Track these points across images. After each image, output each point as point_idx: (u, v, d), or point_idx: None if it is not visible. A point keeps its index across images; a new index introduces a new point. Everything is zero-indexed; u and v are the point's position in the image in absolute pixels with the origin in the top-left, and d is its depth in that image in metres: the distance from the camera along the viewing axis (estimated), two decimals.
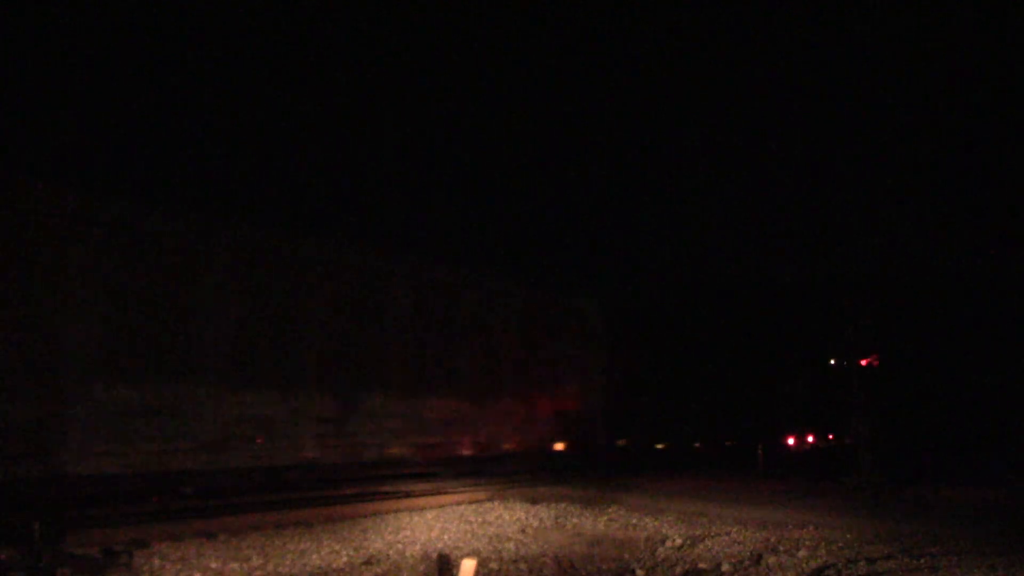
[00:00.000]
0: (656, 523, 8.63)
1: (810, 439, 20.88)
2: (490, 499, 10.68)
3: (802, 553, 6.95)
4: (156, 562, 6.48)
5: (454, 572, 6.10)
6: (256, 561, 6.64)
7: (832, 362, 20.55)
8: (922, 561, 6.54)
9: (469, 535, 7.94)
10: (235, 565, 6.48)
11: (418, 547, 7.29)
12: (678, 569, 6.66)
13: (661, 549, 7.40)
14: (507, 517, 8.98)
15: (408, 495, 10.47)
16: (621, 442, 16.11)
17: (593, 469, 14.40)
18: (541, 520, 8.84)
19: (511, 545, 7.51)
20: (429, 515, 9.10)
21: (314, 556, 6.88)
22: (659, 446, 16.39)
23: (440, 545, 7.37)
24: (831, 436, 21.40)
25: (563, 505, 9.87)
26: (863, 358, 15.86)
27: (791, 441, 19.84)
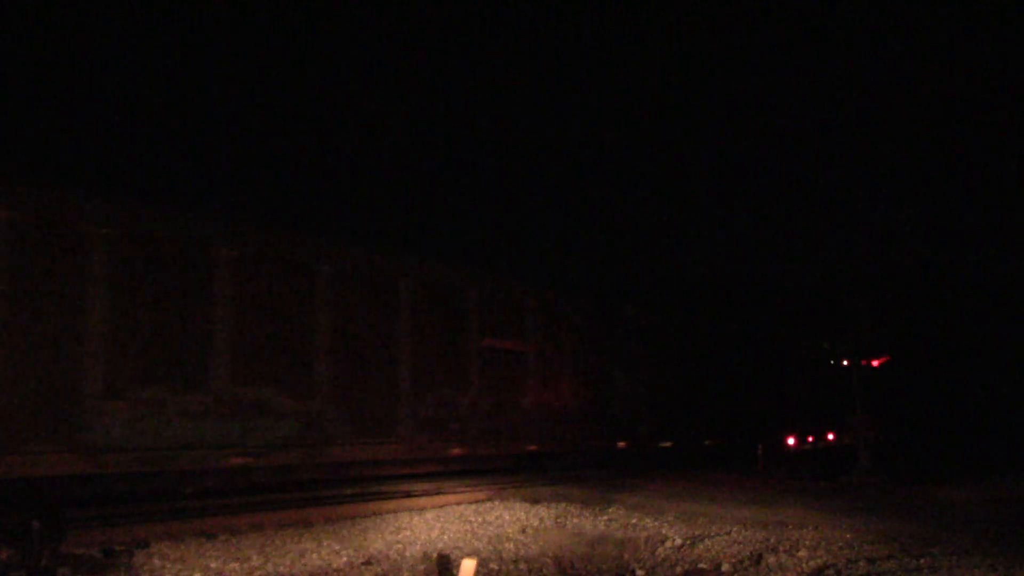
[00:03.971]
0: (656, 523, 8.63)
1: (810, 439, 20.89)
2: (490, 499, 10.69)
3: (802, 553, 6.95)
4: (156, 562, 6.48)
5: (454, 572, 6.11)
6: (256, 561, 6.65)
7: (832, 362, 20.59)
8: (922, 561, 6.54)
9: (469, 535, 7.94)
10: (235, 565, 6.48)
11: (418, 547, 7.29)
12: (678, 569, 6.66)
13: (661, 549, 7.40)
14: (507, 517, 8.98)
15: (408, 495, 10.48)
16: (622, 444, 15.90)
17: (594, 469, 14.40)
18: (541, 520, 8.84)
19: (511, 545, 7.51)
20: (429, 515, 9.10)
21: (314, 556, 6.89)
22: (660, 446, 16.26)
23: (440, 545, 7.37)
24: (831, 436, 21.43)
25: (563, 505, 9.88)
26: (864, 358, 15.87)
27: (791, 441, 19.84)
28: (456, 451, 11.24)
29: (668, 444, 15.87)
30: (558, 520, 8.85)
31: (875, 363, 16.05)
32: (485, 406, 11.81)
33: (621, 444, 14.56)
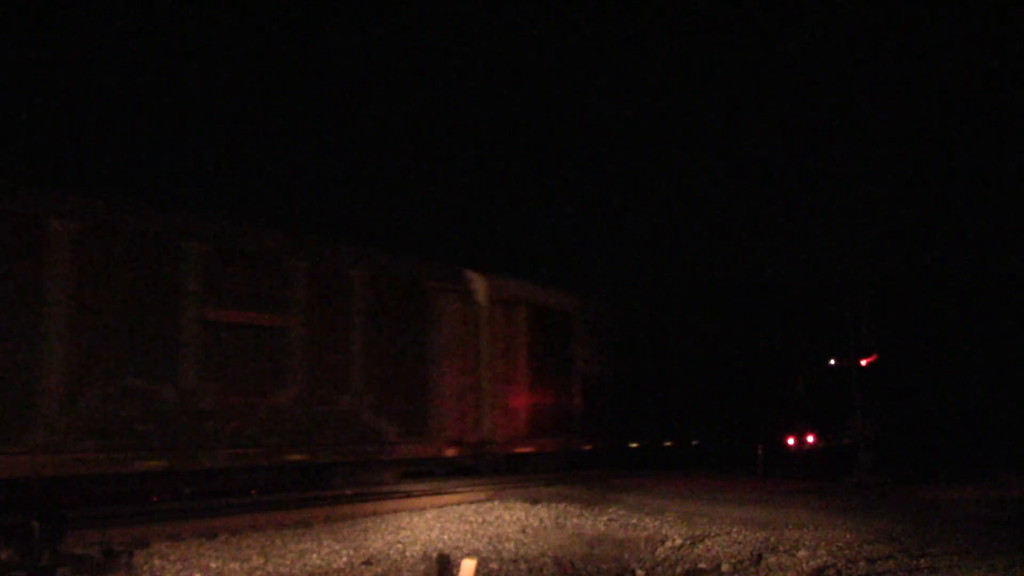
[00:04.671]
0: (656, 523, 8.63)
1: (810, 439, 20.88)
2: (490, 499, 10.69)
3: (802, 553, 6.95)
4: (156, 562, 6.48)
5: (454, 572, 6.11)
6: (256, 561, 6.65)
7: (832, 362, 20.57)
8: (922, 561, 6.54)
9: (469, 535, 7.95)
10: (235, 565, 6.48)
11: (418, 547, 7.30)
12: (678, 569, 6.66)
13: (661, 549, 7.40)
14: (507, 517, 8.98)
15: (408, 495, 10.48)
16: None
17: (595, 469, 14.39)
18: (541, 520, 8.84)
19: (511, 545, 7.51)
20: (429, 515, 9.10)
21: (314, 556, 6.89)
22: (661, 445, 16.20)
23: (440, 545, 7.37)
24: (831, 436, 21.42)
25: (563, 505, 9.88)
26: (863, 358, 15.87)
27: (791, 441, 19.84)
28: (148, 464, 8.24)
29: (539, 449, 13.36)
30: (558, 520, 8.85)
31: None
32: (207, 401, 8.79)
33: (451, 452, 11.60)
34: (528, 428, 13.04)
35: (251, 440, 9.16)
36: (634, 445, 15.40)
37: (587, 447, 14.33)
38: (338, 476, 10.56)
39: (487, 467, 12.60)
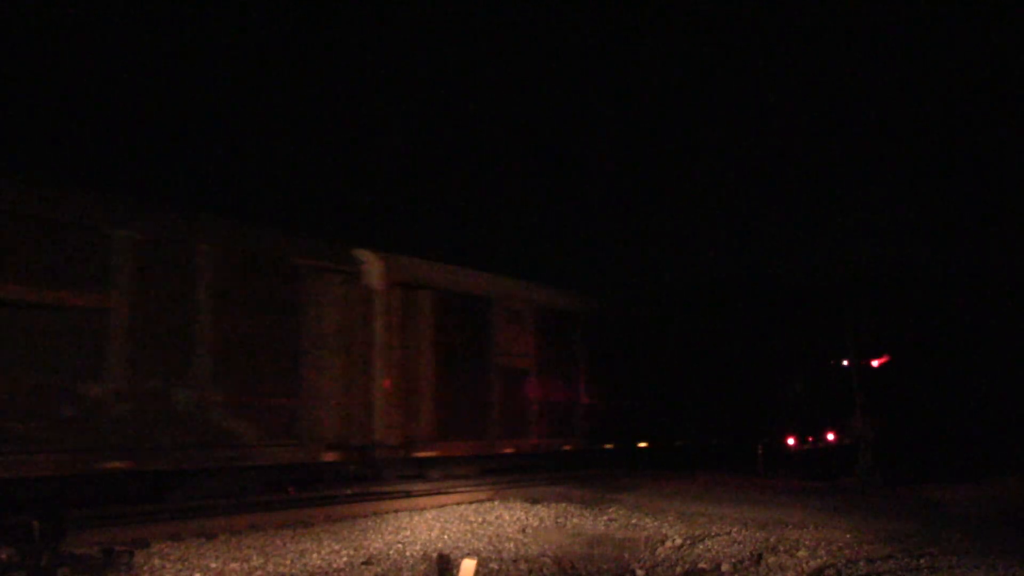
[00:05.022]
0: (656, 523, 8.63)
1: (810, 439, 20.91)
2: (490, 499, 10.68)
3: (802, 553, 6.95)
4: (156, 562, 6.49)
5: (454, 572, 6.11)
6: (256, 561, 6.65)
7: (832, 362, 20.60)
8: (922, 561, 6.55)
9: (469, 535, 7.95)
10: (235, 565, 6.49)
11: (418, 547, 7.30)
12: (678, 569, 6.66)
13: (661, 549, 7.40)
14: (507, 517, 8.98)
15: (408, 495, 10.48)
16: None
17: (594, 468, 14.37)
18: (541, 520, 8.84)
19: (511, 545, 7.51)
20: (429, 515, 9.11)
21: (314, 556, 6.89)
22: (658, 446, 16.12)
23: (440, 545, 7.38)
24: (831, 436, 21.46)
25: (563, 505, 9.88)
26: (864, 358, 15.89)
27: (791, 441, 19.86)
28: None
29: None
30: (558, 520, 8.86)
31: (875, 363, 16.00)
32: None
33: (330, 456, 10.04)
34: (433, 429, 11.42)
35: (49, 444, 7.53)
36: (567, 448, 13.97)
37: (508, 450, 12.73)
38: (179, 487, 8.94)
39: (387, 473, 11.27)
